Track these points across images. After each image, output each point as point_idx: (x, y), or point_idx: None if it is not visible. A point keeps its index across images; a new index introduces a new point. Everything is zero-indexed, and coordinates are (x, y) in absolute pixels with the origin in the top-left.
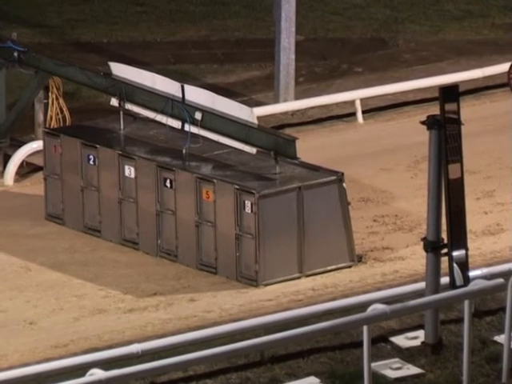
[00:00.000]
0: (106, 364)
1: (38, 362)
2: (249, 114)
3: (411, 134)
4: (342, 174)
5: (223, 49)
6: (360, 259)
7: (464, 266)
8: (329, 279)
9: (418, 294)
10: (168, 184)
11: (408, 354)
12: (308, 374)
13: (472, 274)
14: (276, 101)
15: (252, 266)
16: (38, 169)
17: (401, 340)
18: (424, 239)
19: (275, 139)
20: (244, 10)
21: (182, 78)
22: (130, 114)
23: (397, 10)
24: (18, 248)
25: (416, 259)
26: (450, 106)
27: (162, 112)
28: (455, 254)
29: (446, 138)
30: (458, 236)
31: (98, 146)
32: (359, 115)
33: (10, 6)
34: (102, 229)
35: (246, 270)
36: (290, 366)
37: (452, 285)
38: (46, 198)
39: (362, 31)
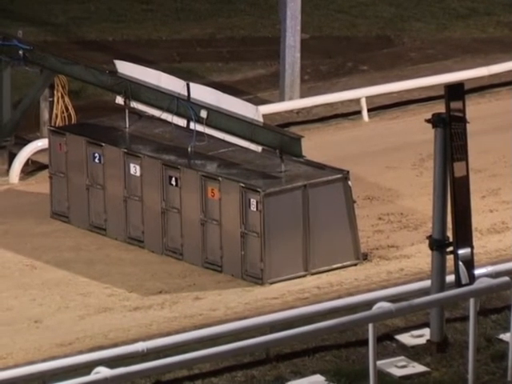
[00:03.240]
0: (111, 362)
1: (44, 361)
2: (254, 112)
3: (416, 132)
4: (348, 172)
5: (229, 47)
6: (365, 257)
7: (469, 264)
8: (334, 277)
9: (424, 292)
10: (173, 182)
11: (413, 352)
12: (313, 372)
13: (477, 272)
14: (281, 99)
15: (257, 265)
16: (43, 167)
17: (406, 338)
18: (429, 237)
19: (281, 137)
20: (249, 8)
21: (188, 76)
22: (135, 112)
23: (402, 8)
24: (23, 246)
25: (421, 257)
26: (455, 104)
27: (168, 110)
28: (460, 252)
29: (452, 136)
30: (464, 234)
31: (103, 144)
32: (364, 113)
33: (16, 4)
34: (107, 227)
35: (252, 269)
36: (296, 364)
37: (457, 283)
38: (52, 196)
39: (368, 29)
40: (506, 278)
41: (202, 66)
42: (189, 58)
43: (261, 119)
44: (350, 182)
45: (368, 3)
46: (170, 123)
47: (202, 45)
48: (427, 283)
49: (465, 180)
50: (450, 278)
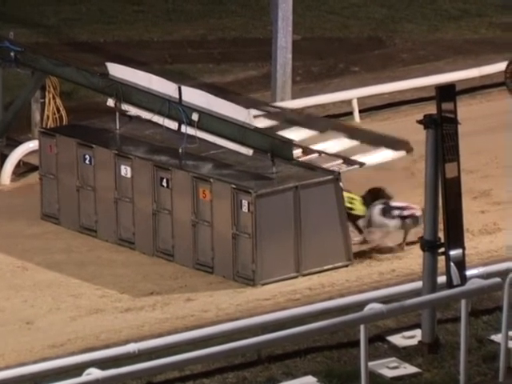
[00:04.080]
0: (102, 363)
1: (35, 362)
2: (246, 116)
3: (408, 133)
4: (339, 173)
5: (220, 48)
6: (363, 255)
7: (461, 265)
8: (326, 278)
9: (415, 293)
10: (164, 183)
11: (405, 353)
12: (305, 374)
13: (469, 273)
14: (273, 100)
15: (249, 266)
16: (34, 168)
17: (398, 339)
18: (421, 238)
19: (272, 141)
20: (241, 9)
21: (179, 77)
22: (126, 114)
23: (394, 9)
24: (14, 248)
25: (413, 258)
26: (446, 105)
27: (159, 113)
28: (452, 253)
29: (443, 137)
30: (455, 235)
31: (93, 145)
32: (356, 114)
33: (7, 6)
34: (98, 228)
35: (243, 270)
36: (287, 365)
37: (449, 284)
38: (42, 197)
39: (359, 30)
40: (497, 279)
41: (194, 67)
42: (180, 60)
43: (252, 122)
44: (341, 183)
45: (360, 4)
46: (161, 126)
47: (194, 46)
48: (419, 284)
49: (456, 181)
50: (442, 279)
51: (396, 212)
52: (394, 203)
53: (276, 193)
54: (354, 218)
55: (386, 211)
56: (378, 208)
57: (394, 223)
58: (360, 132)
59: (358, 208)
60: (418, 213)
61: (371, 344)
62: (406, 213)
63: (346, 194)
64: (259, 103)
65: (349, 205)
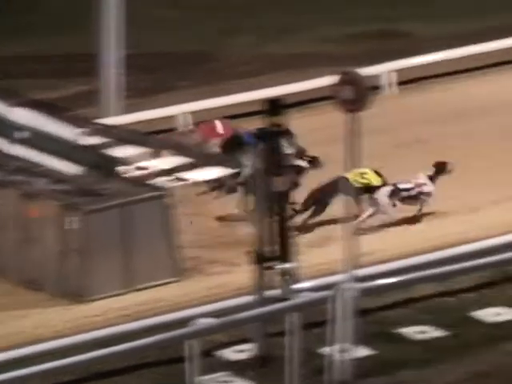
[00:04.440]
0: None
1: None
2: (73, 133)
3: None
4: (167, 189)
5: (49, 63)
6: (191, 272)
7: (291, 278)
8: (155, 294)
9: (246, 307)
10: None
11: (237, 367)
12: None
13: (299, 286)
14: (101, 116)
15: (78, 282)
16: None
17: (229, 353)
18: (251, 252)
19: (97, 157)
20: (69, 24)
21: (6, 93)
22: None
23: (225, 23)
24: None
25: (243, 272)
26: (275, 119)
27: None
28: (282, 266)
29: (272, 150)
30: (286, 249)
31: None
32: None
33: None
34: None
35: (72, 287)
36: (116, 381)
37: (279, 297)
38: None
39: (189, 44)
40: (327, 293)
41: (22, 82)
42: (8, 75)
43: (80, 140)
44: (168, 200)
45: (191, 18)
46: None
47: (22, 62)
48: (249, 298)
49: (285, 195)
50: (272, 292)
51: (404, 194)
52: (402, 185)
53: (104, 209)
54: (371, 190)
55: (394, 194)
56: (385, 190)
57: (394, 214)
58: (190, 150)
59: (373, 179)
60: (428, 188)
61: (203, 358)
62: (414, 192)
63: (356, 172)
64: (88, 120)
65: (364, 180)
